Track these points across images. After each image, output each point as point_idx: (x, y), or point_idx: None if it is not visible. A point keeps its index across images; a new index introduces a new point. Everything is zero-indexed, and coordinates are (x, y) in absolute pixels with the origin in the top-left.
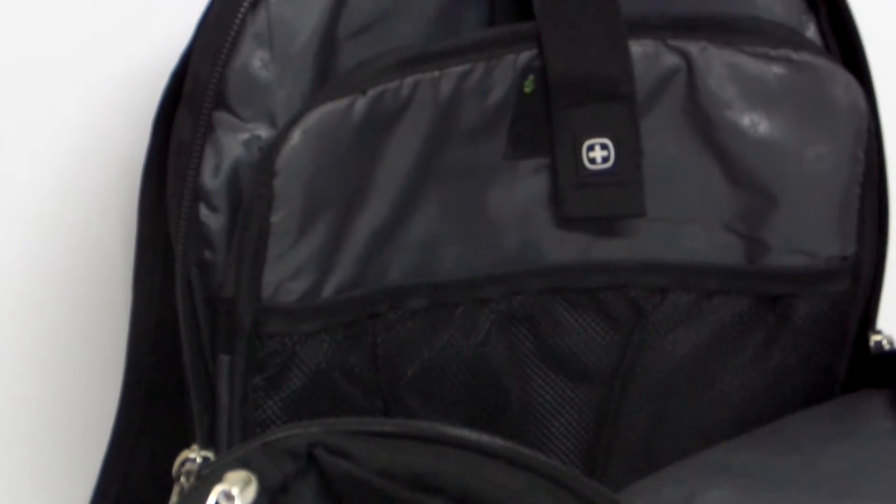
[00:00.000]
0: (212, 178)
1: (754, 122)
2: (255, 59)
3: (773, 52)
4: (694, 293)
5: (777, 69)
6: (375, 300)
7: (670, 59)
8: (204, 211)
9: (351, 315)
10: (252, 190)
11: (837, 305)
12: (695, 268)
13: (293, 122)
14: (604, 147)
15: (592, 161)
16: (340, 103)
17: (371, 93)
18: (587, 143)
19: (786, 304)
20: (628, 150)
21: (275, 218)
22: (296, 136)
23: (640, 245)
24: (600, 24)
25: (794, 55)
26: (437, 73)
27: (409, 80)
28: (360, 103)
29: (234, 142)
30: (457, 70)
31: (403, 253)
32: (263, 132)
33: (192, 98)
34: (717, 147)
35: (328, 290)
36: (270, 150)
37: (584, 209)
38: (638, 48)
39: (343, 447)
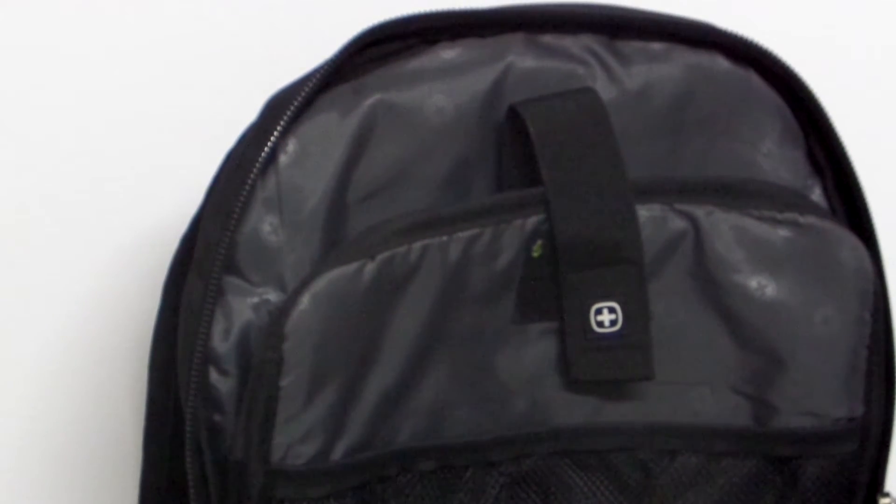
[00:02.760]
0: (221, 342)
1: (761, 285)
2: (264, 224)
3: (779, 216)
4: (703, 455)
5: (784, 232)
6: (385, 463)
7: (677, 223)
8: (214, 374)
9: (360, 478)
10: (261, 354)
11: (845, 467)
12: (703, 430)
13: (302, 286)
14: (612, 311)
15: (600, 324)
16: (349, 268)
17: (380, 257)
18: (595, 306)
19: (794, 465)
20: (636, 313)
21: (284, 382)
22: (305, 301)
23: (648, 407)
24: (607, 189)
25: (801, 218)
26: (445, 238)
27: (418, 245)
28: (369, 268)
29: (244, 306)
30: (465, 235)
31: (412, 415)
32: (273, 296)
33: (203, 262)
34: (724, 310)
35: (337, 454)
36: (280, 315)
37: (592, 372)
38: (645, 212)
39: None
